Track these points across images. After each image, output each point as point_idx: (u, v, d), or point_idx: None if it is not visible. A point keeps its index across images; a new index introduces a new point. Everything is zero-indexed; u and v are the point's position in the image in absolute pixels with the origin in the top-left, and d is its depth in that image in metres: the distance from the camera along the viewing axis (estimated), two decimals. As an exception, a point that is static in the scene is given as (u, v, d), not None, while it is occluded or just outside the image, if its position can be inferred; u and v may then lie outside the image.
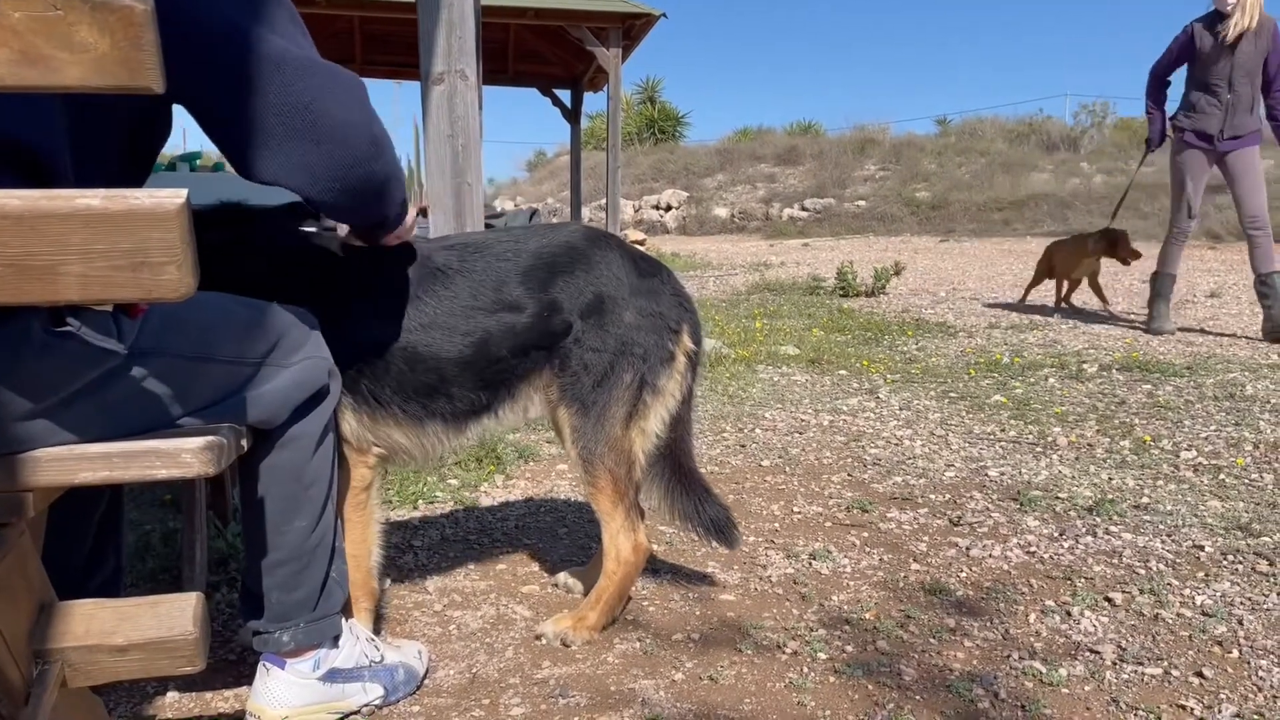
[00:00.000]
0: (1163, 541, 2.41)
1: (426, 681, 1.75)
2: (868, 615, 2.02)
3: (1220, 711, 1.61)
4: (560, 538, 2.57)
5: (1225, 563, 2.26)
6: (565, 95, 14.48)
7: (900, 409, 3.96)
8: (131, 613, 1.14)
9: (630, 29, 11.01)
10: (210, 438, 1.21)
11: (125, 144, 1.29)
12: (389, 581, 2.21)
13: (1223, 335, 5.75)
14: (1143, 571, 2.23)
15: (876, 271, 8.10)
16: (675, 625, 2.00)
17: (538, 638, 1.92)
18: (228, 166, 6.12)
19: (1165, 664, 1.78)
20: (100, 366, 1.18)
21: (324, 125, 1.25)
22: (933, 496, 2.84)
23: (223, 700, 1.70)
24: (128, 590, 1.84)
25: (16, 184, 1.04)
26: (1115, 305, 7.04)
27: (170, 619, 1.14)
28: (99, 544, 1.61)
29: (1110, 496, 2.76)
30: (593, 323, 1.81)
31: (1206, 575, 2.19)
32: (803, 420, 3.80)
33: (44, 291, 0.92)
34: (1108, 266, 7.24)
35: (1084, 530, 2.50)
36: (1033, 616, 2.01)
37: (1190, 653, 1.83)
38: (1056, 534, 2.49)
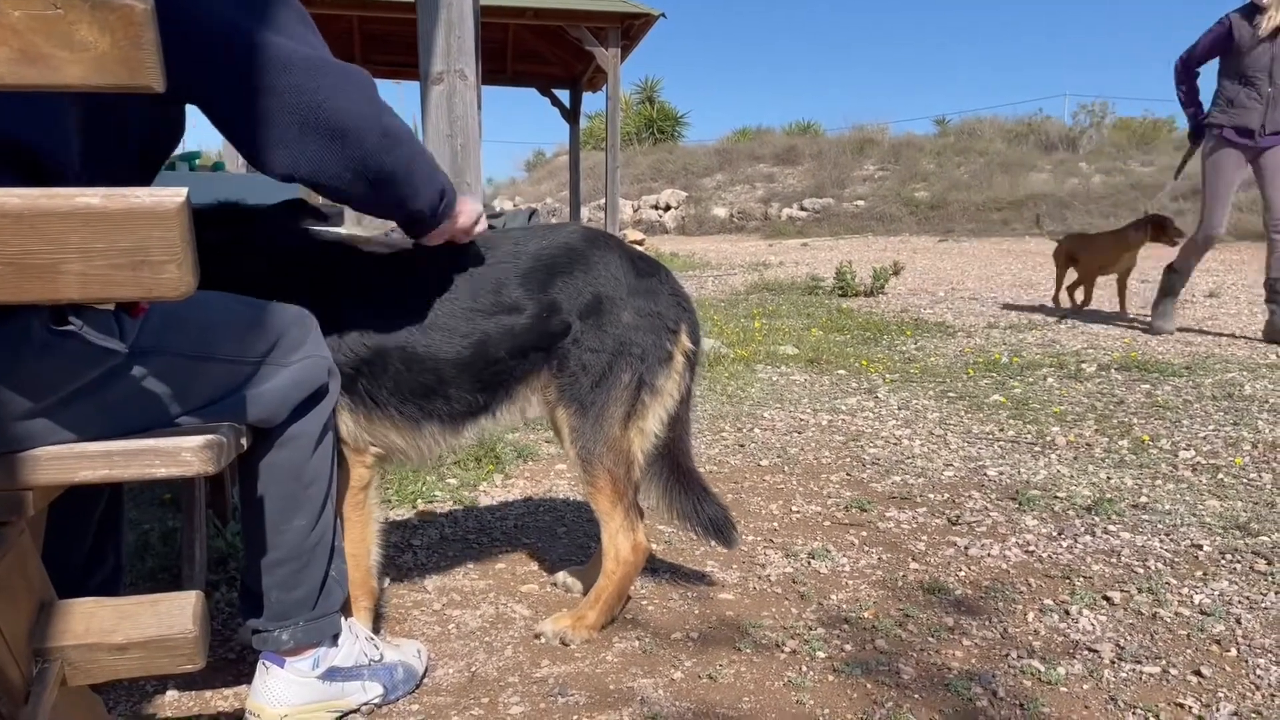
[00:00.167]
0: (1161, 541, 2.41)
1: (426, 680, 1.75)
2: (866, 614, 2.03)
3: (1218, 710, 1.62)
4: (559, 537, 2.57)
5: (1223, 562, 2.27)
6: (564, 95, 14.50)
7: (899, 408, 3.96)
8: (131, 611, 1.14)
9: (629, 29, 11.03)
10: (210, 436, 1.21)
11: (136, 145, 1.30)
12: (388, 580, 2.21)
13: (1221, 335, 5.75)
14: (1141, 570, 2.23)
15: (875, 271, 8.10)
16: (674, 624, 2.00)
17: (537, 636, 1.93)
18: (227, 166, 6.11)
19: (1163, 662, 1.79)
20: (101, 365, 1.18)
21: (336, 122, 1.29)
22: (931, 496, 2.84)
23: (222, 699, 1.70)
24: (127, 589, 1.84)
25: (16, 183, 1.04)
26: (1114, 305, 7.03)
27: (170, 617, 1.14)
28: (99, 542, 1.61)
29: (1109, 496, 2.76)
30: (591, 323, 1.81)
31: (1205, 574, 2.20)
32: (801, 420, 3.80)
33: (44, 290, 0.92)
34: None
35: (1082, 529, 2.51)
36: (1031, 615, 2.01)
37: (1188, 651, 1.84)
38: (1055, 533, 2.49)
